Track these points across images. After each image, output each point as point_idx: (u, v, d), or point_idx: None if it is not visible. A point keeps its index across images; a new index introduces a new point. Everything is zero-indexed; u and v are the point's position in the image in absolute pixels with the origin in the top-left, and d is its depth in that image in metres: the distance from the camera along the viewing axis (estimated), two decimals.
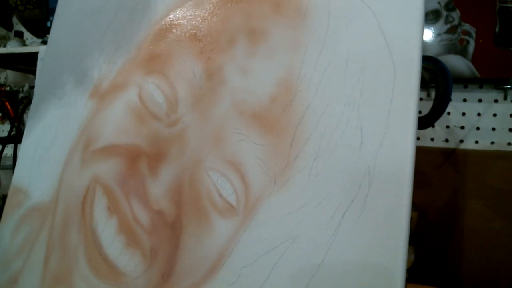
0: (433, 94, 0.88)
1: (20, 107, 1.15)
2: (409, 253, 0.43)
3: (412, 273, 0.78)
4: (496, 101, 0.87)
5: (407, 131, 0.38)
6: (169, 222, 0.44)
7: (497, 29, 0.83)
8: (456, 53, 0.86)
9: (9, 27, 1.25)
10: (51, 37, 0.62)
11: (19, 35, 1.13)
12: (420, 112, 0.42)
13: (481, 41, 0.84)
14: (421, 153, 0.86)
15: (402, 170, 0.37)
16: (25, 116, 1.12)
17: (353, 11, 0.42)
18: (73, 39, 0.59)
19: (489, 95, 0.88)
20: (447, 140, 0.90)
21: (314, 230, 0.38)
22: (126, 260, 0.45)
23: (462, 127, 0.89)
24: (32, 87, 1.28)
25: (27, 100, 0.98)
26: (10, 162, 0.99)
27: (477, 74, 0.85)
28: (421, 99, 0.89)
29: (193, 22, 0.50)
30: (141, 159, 0.47)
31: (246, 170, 0.42)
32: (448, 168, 0.87)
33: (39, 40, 1.09)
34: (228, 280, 0.40)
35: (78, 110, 0.54)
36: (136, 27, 0.54)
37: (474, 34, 0.85)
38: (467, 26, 0.85)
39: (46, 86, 0.59)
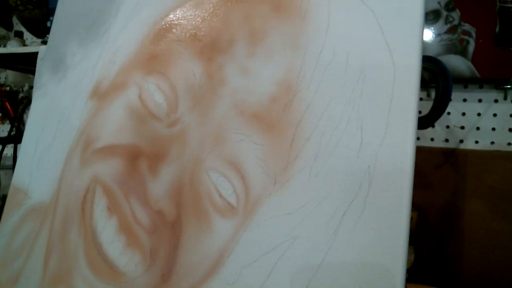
0: (433, 94, 0.88)
1: (20, 107, 1.15)
2: (409, 253, 0.43)
3: (412, 273, 0.78)
4: (496, 101, 0.87)
5: (407, 131, 0.37)
6: (169, 222, 0.44)
7: (497, 29, 0.83)
8: (456, 53, 0.86)
9: (9, 27, 1.25)
10: (51, 37, 0.62)
11: (19, 35, 1.13)
12: (420, 112, 0.42)
13: (481, 41, 0.84)
14: (421, 153, 0.87)
15: (402, 170, 0.37)
16: (25, 116, 1.12)
17: (353, 11, 0.42)
18: (73, 39, 0.59)
19: (489, 95, 0.88)
20: (447, 140, 0.90)
21: (314, 230, 0.38)
22: (126, 260, 0.45)
23: (462, 127, 0.89)
24: (32, 87, 1.28)
25: (27, 100, 0.98)
26: (10, 162, 0.99)
27: (477, 74, 0.85)
28: (421, 99, 0.89)
29: (193, 22, 0.50)
30: (141, 159, 0.47)
31: (246, 170, 0.42)
32: (448, 168, 0.86)
33: (39, 40, 1.09)
34: (228, 280, 0.40)
35: (78, 110, 0.54)
36: (136, 27, 0.54)
37: (474, 34, 0.85)
38: (467, 26, 0.85)
39: (46, 86, 0.59)
